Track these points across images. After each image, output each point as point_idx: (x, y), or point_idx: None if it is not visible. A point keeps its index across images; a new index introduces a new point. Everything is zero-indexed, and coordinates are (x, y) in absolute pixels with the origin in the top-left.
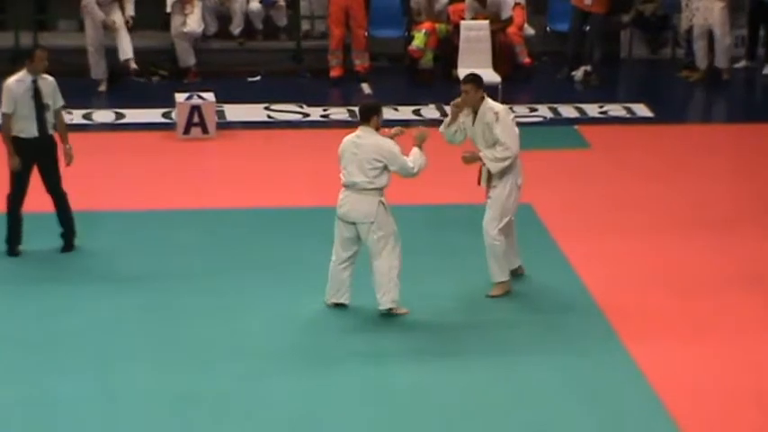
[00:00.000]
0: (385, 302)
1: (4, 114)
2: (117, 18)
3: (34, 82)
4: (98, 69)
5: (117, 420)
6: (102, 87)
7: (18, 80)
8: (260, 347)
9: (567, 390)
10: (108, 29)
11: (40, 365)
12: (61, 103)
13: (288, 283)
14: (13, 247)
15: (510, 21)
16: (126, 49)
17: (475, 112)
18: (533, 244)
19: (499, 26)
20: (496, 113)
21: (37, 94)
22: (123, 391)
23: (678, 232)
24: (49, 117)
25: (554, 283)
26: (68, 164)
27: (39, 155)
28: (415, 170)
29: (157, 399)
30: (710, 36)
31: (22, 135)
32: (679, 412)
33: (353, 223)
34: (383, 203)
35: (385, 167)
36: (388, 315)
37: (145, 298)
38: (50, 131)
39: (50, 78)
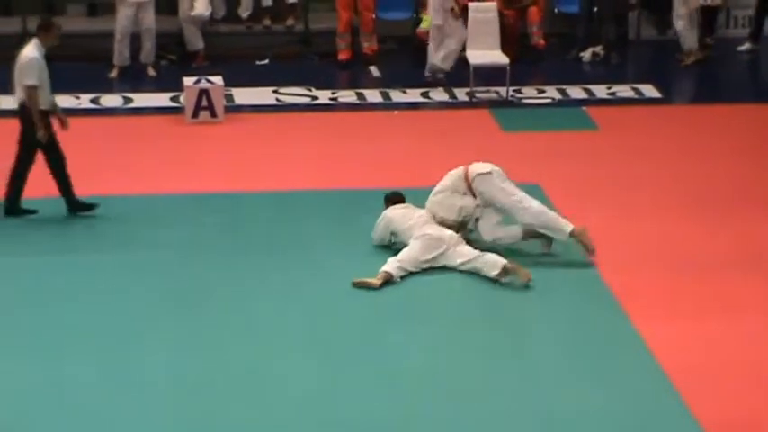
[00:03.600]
0: None
1: (32, 87)
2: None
3: (45, 54)
4: (122, 57)
5: (128, 404)
6: (114, 74)
7: (38, 51)
8: (272, 330)
9: (574, 367)
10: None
11: (51, 349)
12: None
13: (298, 265)
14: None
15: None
16: (148, 54)
17: None
18: None
19: (523, 5)
20: None
21: (48, 65)
22: (134, 375)
23: (686, 213)
24: None
25: (562, 263)
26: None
27: (49, 123)
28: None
29: (169, 381)
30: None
31: (44, 107)
32: (686, 389)
33: None
34: None
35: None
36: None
37: (155, 282)
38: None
39: None
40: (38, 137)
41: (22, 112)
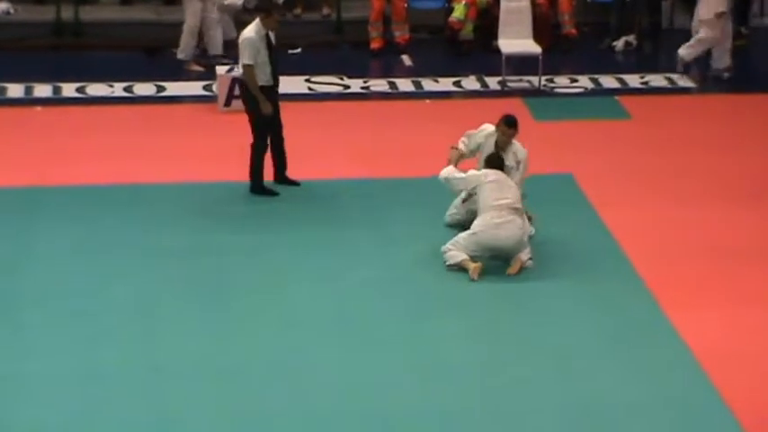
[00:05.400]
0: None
1: (247, 65)
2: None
3: (267, 35)
4: (192, 50)
5: (163, 392)
6: (195, 67)
7: (256, 32)
8: (307, 319)
9: (607, 357)
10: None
11: (87, 336)
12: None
13: (332, 254)
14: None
15: None
16: (217, 44)
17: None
18: (574, 213)
19: None
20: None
21: (269, 44)
22: (170, 363)
23: (719, 202)
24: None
25: (594, 253)
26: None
27: (275, 100)
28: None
29: (204, 370)
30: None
31: (263, 83)
32: (719, 378)
33: None
34: None
35: None
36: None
37: (191, 270)
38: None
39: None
40: (262, 112)
41: (244, 91)
